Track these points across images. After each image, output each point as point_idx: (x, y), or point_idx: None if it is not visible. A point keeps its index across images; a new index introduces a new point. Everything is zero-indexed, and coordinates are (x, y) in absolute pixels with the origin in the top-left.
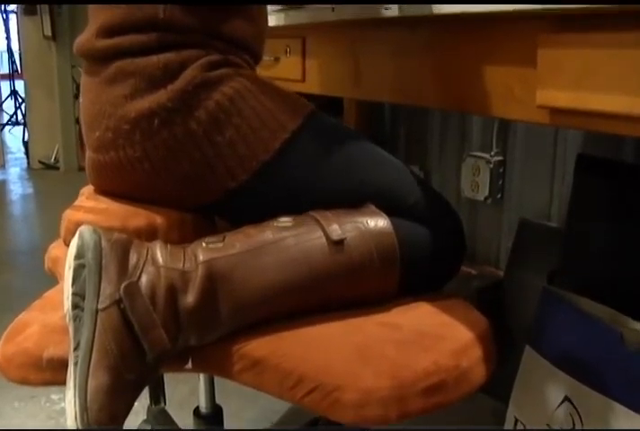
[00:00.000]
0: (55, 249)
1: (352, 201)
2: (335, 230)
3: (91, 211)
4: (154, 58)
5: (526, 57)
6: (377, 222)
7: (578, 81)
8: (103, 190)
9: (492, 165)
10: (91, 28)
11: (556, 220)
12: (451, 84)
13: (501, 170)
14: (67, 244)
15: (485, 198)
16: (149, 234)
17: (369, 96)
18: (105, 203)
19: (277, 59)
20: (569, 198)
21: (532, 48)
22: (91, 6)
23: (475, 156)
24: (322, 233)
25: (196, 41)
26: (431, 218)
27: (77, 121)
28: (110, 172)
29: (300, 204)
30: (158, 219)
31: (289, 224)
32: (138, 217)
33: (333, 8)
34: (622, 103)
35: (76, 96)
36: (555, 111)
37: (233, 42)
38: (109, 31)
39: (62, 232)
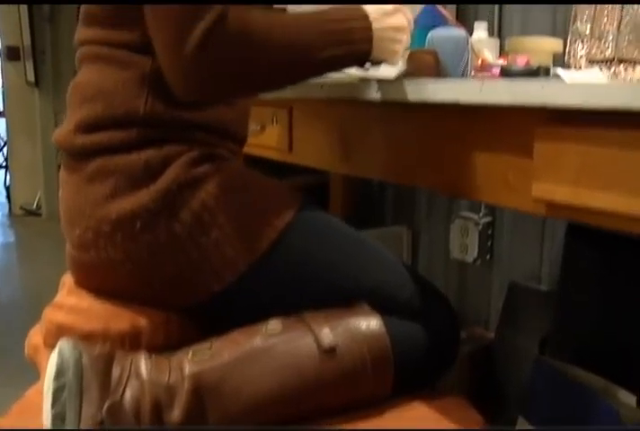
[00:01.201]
0: (35, 335)
1: (346, 298)
2: (327, 335)
3: (72, 311)
4: (134, 156)
5: (522, 146)
6: (370, 323)
7: (576, 178)
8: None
9: (480, 226)
10: (70, 122)
11: (547, 283)
12: (444, 168)
13: (489, 231)
14: (48, 346)
15: (474, 260)
16: (133, 338)
17: (359, 172)
18: (87, 301)
19: (263, 127)
20: (560, 265)
21: (529, 139)
22: (70, 101)
23: (463, 217)
24: (313, 339)
25: (178, 136)
26: (425, 312)
27: (60, 168)
28: (91, 270)
29: (291, 302)
30: (142, 321)
31: (279, 329)
32: (121, 319)
33: (322, 85)
34: (622, 203)
35: None
36: (552, 205)
37: (216, 132)
38: (88, 127)
39: (43, 331)
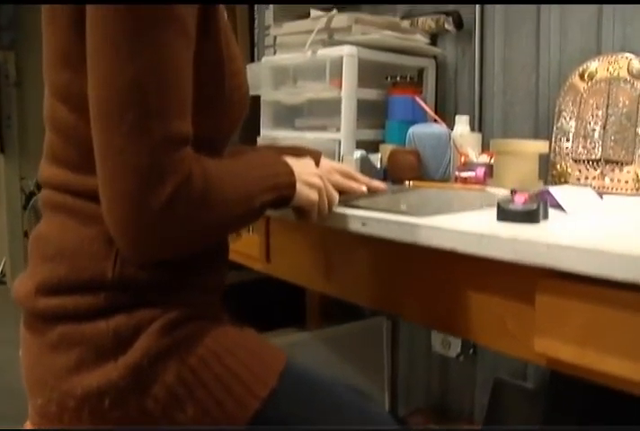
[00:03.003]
0: None
1: None
2: None
3: None
4: (102, 324)
5: (521, 293)
6: None
7: (582, 337)
8: None
9: None
10: (31, 279)
11: (533, 380)
12: (436, 303)
13: None
14: None
15: (457, 355)
16: None
17: (342, 295)
18: None
19: (239, 233)
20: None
21: (529, 287)
22: (31, 254)
23: None
24: None
25: (151, 299)
26: None
27: (26, 235)
28: None
29: None
30: None
31: None
32: None
33: None
34: (631, 368)
35: (25, 207)
36: (555, 361)
37: (193, 287)
38: (50, 290)
39: None
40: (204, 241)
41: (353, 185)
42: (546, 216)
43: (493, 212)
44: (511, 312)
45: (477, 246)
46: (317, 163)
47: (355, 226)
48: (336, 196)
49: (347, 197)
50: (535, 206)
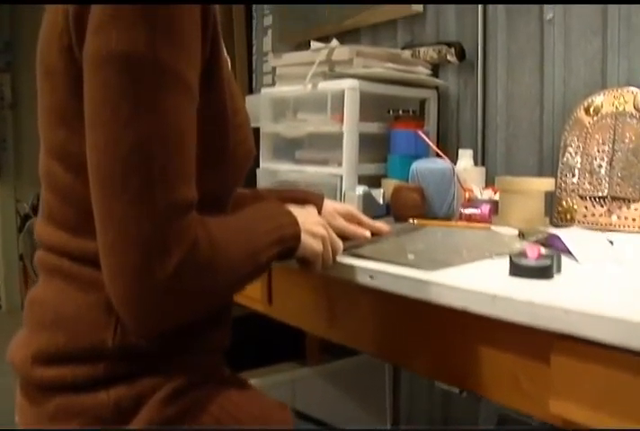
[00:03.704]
0: None
1: None
2: None
3: None
4: (102, 395)
5: (535, 351)
6: None
7: (598, 401)
8: None
9: None
10: (27, 346)
11: None
12: (446, 358)
13: None
14: None
15: (461, 391)
16: None
17: (345, 342)
18: None
19: None
20: None
21: (544, 346)
22: (26, 318)
23: None
24: None
25: (153, 367)
26: None
27: (21, 258)
28: None
29: None
30: None
31: None
32: None
33: None
34: None
35: (20, 230)
36: (571, 422)
37: (199, 352)
38: (47, 359)
39: None
40: (211, 306)
41: (357, 230)
42: (559, 270)
43: (504, 263)
44: (525, 370)
45: (490, 307)
46: (320, 207)
47: (363, 279)
48: (340, 245)
49: (351, 243)
50: (549, 262)
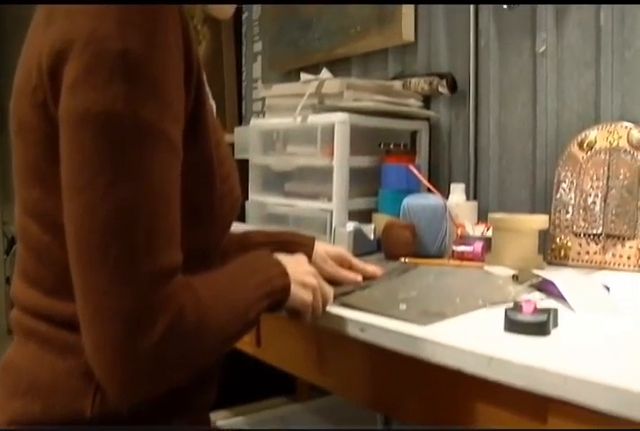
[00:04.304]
0: None
1: None
2: None
3: None
4: None
5: (534, 412)
6: None
7: None
8: None
9: None
10: (1, 415)
11: None
12: (439, 412)
13: None
14: None
15: None
16: None
17: (335, 390)
18: None
19: None
20: None
21: (543, 408)
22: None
23: None
24: None
25: None
26: None
27: (7, 281)
28: None
29: None
30: None
31: None
32: None
33: None
34: None
35: (7, 253)
36: None
37: (181, 413)
38: (22, 429)
39: None
40: (199, 368)
41: (349, 275)
42: (555, 324)
43: (499, 314)
44: (520, 427)
45: (486, 368)
46: (312, 249)
47: (353, 331)
48: (331, 296)
49: (342, 288)
50: (545, 318)
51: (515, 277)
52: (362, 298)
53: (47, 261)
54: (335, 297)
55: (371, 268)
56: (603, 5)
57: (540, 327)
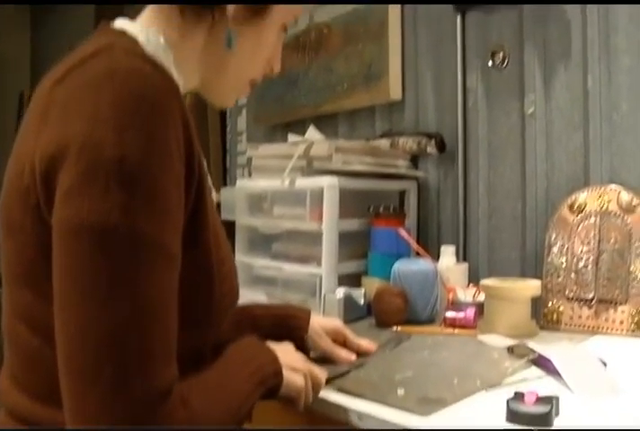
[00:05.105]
0: None
1: None
2: None
3: None
4: None
5: None
6: None
7: None
8: None
9: None
10: None
11: None
12: None
13: None
14: None
15: None
16: None
17: None
18: None
19: None
20: None
21: None
22: None
23: None
24: None
25: None
26: None
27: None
28: None
29: None
30: None
31: None
32: None
33: None
34: None
35: None
36: None
37: None
38: None
39: None
40: None
41: (341, 354)
42: (557, 413)
43: (499, 399)
44: None
45: None
46: (307, 323)
47: (351, 420)
48: (323, 380)
49: (336, 369)
50: (547, 409)
51: (511, 350)
52: (359, 381)
53: (38, 368)
54: (331, 380)
55: (365, 343)
56: (590, 68)
57: (543, 418)
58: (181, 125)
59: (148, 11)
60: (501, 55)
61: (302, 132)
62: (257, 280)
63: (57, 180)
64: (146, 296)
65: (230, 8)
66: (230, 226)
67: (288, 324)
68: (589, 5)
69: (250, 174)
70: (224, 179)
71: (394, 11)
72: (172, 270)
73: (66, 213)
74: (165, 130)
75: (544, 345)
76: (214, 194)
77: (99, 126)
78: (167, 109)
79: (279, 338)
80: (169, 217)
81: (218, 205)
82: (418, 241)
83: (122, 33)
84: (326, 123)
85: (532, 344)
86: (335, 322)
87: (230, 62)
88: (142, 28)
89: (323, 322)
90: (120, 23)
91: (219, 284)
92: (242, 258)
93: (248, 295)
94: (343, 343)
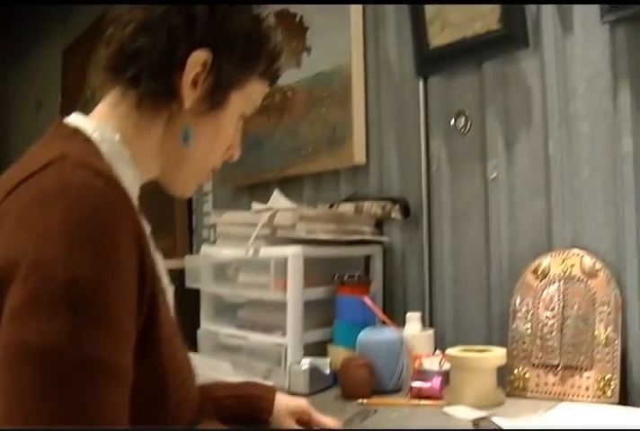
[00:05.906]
0: None
1: None
2: None
3: None
4: None
5: None
6: None
7: None
8: None
9: None
10: None
11: None
12: None
13: None
14: None
15: None
16: None
17: None
18: None
19: None
20: None
21: None
22: None
23: None
24: None
25: None
26: None
27: None
28: None
29: None
30: None
31: None
32: None
33: None
34: None
35: None
36: None
37: None
38: None
39: None
40: None
41: None
42: None
43: None
44: None
45: None
46: (272, 403)
47: None
48: None
49: None
50: None
51: (476, 423)
52: None
53: None
54: None
55: (329, 421)
56: (551, 134)
57: None
58: (132, 238)
59: (104, 105)
60: (463, 120)
61: (267, 194)
62: (222, 348)
63: (5, 297)
64: (93, 421)
65: (187, 101)
66: (195, 294)
67: (252, 405)
68: (547, 72)
69: (215, 238)
70: (190, 240)
71: (357, 75)
72: (121, 391)
73: (11, 332)
74: (117, 246)
75: (509, 416)
76: (170, 293)
77: (49, 245)
78: (118, 224)
79: (243, 418)
80: (120, 335)
81: (183, 272)
82: (384, 307)
83: (76, 132)
84: (291, 186)
85: (497, 418)
86: (300, 402)
87: (188, 156)
88: (97, 125)
89: (287, 402)
90: (75, 120)
91: (174, 392)
92: (207, 325)
93: (213, 363)
94: (307, 422)
